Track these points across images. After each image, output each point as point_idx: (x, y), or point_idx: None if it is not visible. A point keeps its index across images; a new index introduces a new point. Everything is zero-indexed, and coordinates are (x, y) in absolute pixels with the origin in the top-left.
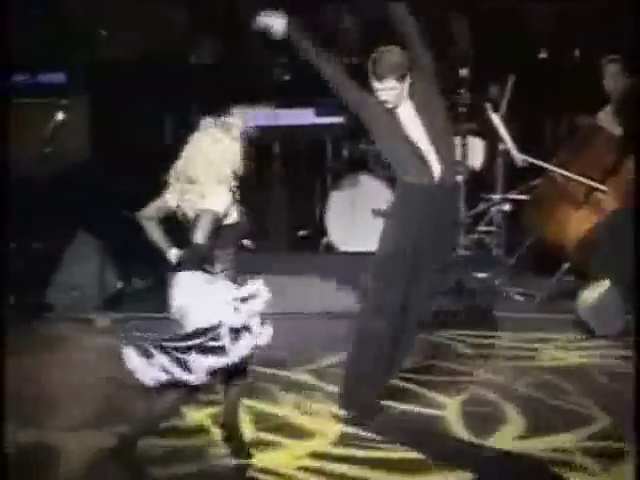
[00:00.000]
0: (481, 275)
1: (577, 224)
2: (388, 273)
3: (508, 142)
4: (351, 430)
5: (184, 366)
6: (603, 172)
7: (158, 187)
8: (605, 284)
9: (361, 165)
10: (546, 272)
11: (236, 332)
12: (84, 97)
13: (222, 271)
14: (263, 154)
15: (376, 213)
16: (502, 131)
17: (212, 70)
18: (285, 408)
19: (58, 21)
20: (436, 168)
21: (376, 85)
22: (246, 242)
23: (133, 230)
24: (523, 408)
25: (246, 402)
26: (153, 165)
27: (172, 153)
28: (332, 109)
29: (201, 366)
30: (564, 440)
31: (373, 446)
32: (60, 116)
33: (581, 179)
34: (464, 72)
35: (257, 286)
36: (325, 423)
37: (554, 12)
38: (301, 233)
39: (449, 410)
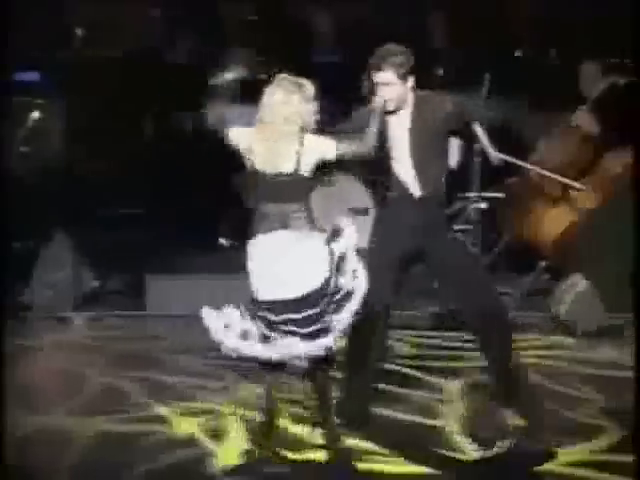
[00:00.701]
0: None
1: (553, 222)
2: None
3: (484, 141)
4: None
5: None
6: (580, 171)
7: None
8: (582, 282)
9: (337, 164)
10: (522, 270)
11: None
12: (60, 96)
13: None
14: (237, 153)
15: (352, 211)
16: (478, 130)
17: (189, 69)
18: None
19: (34, 20)
20: (415, 189)
21: (375, 77)
22: (223, 241)
23: (108, 229)
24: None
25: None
26: (131, 164)
27: (150, 152)
28: None
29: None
30: None
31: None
32: (36, 115)
33: (557, 177)
34: (439, 71)
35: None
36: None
37: (531, 11)
38: None
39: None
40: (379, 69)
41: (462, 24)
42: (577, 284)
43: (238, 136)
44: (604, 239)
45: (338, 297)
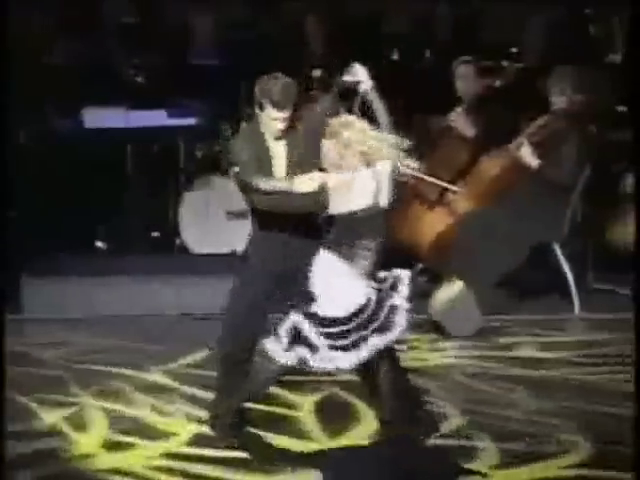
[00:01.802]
0: None
1: (430, 225)
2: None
3: None
4: (206, 430)
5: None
6: (455, 173)
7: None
8: (458, 285)
9: (214, 166)
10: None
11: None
12: None
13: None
14: (115, 155)
15: (230, 214)
16: None
17: (64, 70)
18: (140, 409)
19: None
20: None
21: (273, 113)
22: (99, 243)
23: None
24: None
25: (101, 404)
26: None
27: (25, 152)
28: (185, 110)
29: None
30: None
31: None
32: None
33: (433, 180)
34: (317, 73)
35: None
36: (180, 424)
37: (406, 13)
38: (154, 234)
39: (304, 410)
40: (282, 108)
41: (337, 26)
42: (452, 286)
43: None
44: (481, 241)
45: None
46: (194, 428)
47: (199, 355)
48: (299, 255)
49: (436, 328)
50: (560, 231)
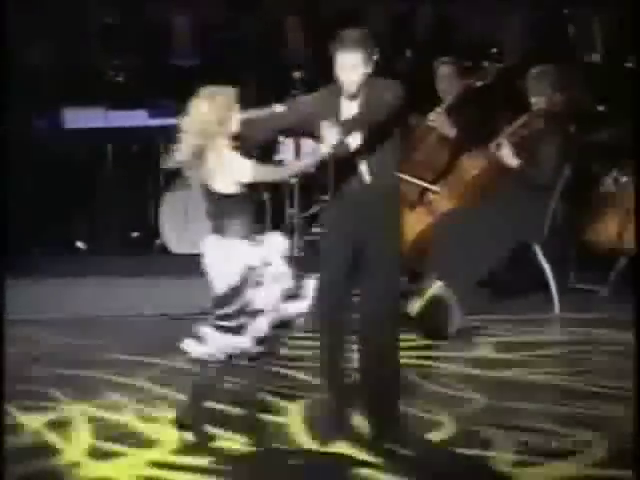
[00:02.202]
0: (315, 276)
1: (410, 225)
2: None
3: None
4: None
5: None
6: (436, 173)
7: None
8: (440, 285)
9: None
10: None
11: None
12: None
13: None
14: (95, 155)
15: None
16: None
17: (44, 69)
18: (123, 414)
19: None
20: (365, 178)
21: (338, 59)
22: (79, 244)
23: None
24: None
25: (84, 408)
26: None
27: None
28: (165, 111)
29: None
30: None
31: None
32: None
33: (413, 180)
34: (297, 74)
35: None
36: (165, 430)
37: (386, 13)
38: (134, 234)
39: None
40: (346, 50)
41: (316, 26)
42: (432, 286)
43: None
44: (461, 241)
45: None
46: (179, 435)
47: (179, 356)
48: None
49: (416, 328)
50: (540, 231)
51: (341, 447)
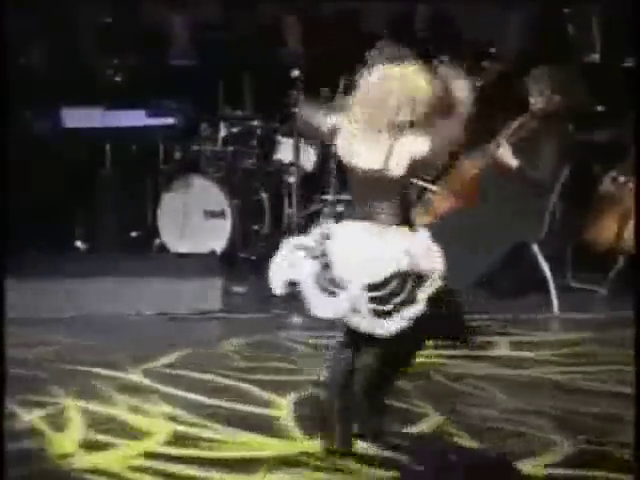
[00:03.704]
0: None
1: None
2: None
3: None
4: (185, 429)
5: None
6: (435, 172)
7: None
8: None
9: (193, 166)
10: None
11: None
12: None
13: None
14: (94, 155)
15: (208, 214)
16: None
17: (42, 69)
18: (119, 409)
19: None
20: None
21: None
22: (78, 243)
23: None
24: None
25: (80, 403)
26: None
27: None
28: (164, 111)
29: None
30: None
31: (209, 446)
32: None
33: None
34: (295, 73)
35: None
36: (159, 423)
37: (385, 12)
38: (133, 234)
39: (282, 410)
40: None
41: (314, 26)
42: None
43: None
44: (459, 241)
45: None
46: (173, 427)
47: (177, 355)
48: None
49: None
50: (539, 231)
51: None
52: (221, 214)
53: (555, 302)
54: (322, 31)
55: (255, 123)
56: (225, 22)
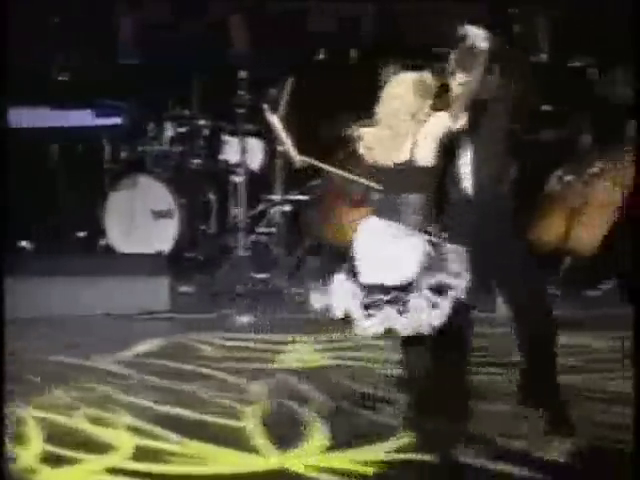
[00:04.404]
0: (261, 276)
1: (356, 224)
2: None
3: (286, 143)
4: (147, 443)
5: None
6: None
7: None
8: None
9: (140, 166)
10: (327, 272)
11: None
12: None
13: None
14: (40, 155)
15: (155, 214)
16: (280, 132)
17: None
18: (79, 420)
19: None
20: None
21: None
22: (24, 243)
23: None
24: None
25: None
26: None
27: None
28: (111, 110)
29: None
30: None
31: (169, 460)
32: None
33: (358, 179)
34: (242, 73)
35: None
36: (122, 436)
37: (332, 12)
38: (80, 234)
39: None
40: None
41: (261, 26)
42: None
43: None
44: None
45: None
46: (136, 441)
47: (125, 355)
48: None
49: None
50: None
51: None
52: (168, 214)
53: (499, 303)
54: (269, 31)
55: (202, 123)
56: (173, 22)
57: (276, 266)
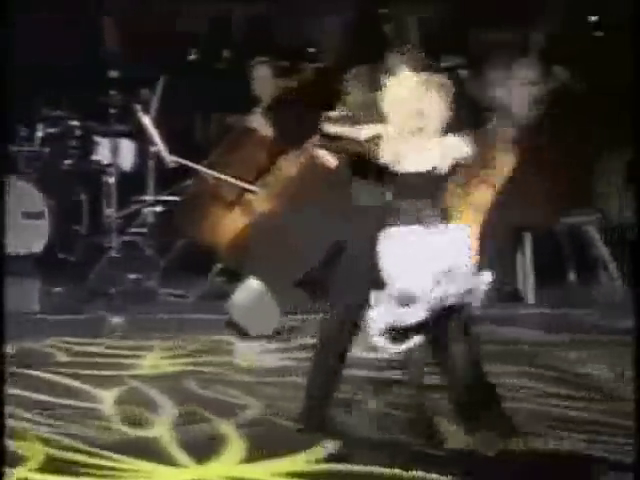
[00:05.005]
0: (133, 276)
1: (228, 225)
2: None
3: (158, 143)
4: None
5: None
6: (255, 173)
7: None
8: (257, 284)
9: (11, 167)
10: (199, 273)
11: None
12: None
13: None
14: None
15: (26, 216)
16: (152, 132)
17: None
18: None
19: None
20: None
21: None
22: None
23: None
24: None
25: None
26: None
27: None
28: None
29: None
30: None
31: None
32: None
33: (231, 180)
34: (114, 73)
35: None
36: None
37: (205, 13)
38: None
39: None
40: None
41: (133, 26)
42: (249, 286)
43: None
44: (279, 241)
45: None
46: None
47: None
48: None
49: (234, 328)
50: None
51: None
52: (39, 215)
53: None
54: (141, 32)
55: (73, 123)
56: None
57: (149, 266)
